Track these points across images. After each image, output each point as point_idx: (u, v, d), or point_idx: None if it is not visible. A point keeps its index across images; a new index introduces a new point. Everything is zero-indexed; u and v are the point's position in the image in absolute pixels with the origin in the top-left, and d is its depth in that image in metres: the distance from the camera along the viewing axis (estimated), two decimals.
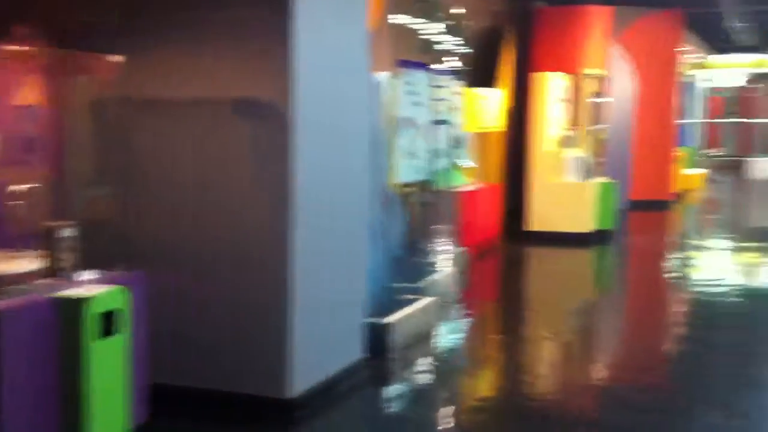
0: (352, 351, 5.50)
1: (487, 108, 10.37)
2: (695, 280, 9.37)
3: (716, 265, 10.15)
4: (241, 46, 4.75)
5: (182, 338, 4.93)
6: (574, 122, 11.74)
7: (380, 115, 6.03)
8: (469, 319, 7.45)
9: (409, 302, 6.54)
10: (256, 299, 4.80)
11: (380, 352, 5.89)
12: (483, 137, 11.13)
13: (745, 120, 25.54)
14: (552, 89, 11.12)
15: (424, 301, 6.66)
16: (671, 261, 10.77)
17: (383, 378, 5.72)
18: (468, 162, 10.52)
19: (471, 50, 11.39)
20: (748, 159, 24.74)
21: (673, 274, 9.96)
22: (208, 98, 4.84)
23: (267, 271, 4.77)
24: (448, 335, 6.76)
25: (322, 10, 4.94)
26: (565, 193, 11.00)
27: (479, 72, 11.52)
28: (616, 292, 9.12)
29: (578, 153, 11.37)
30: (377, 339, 5.90)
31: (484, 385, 5.82)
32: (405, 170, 6.09)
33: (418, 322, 6.47)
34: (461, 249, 9.03)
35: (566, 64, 11.95)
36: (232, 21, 4.75)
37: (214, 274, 4.88)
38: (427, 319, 6.64)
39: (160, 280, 4.55)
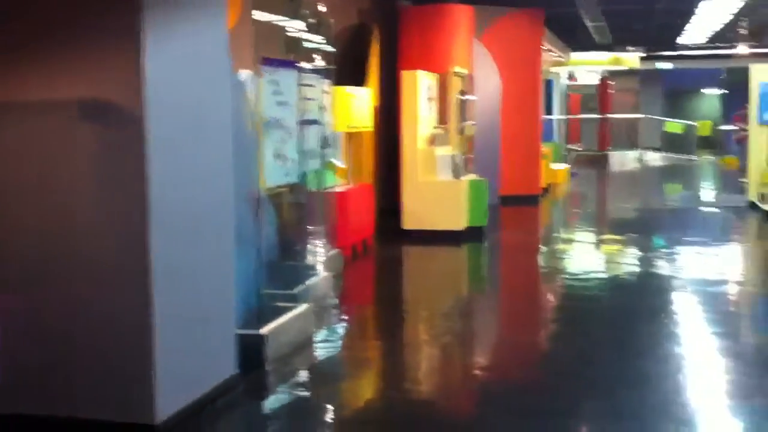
0: (224, 366, 5.14)
1: (357, 107, 10.17)
2: (565, 273, 9.48)
3: (584, 258, 10.32)
4: (89, 44, 4.33)
5: (31, 361, 4.46)
6: (443, 120, 11.71)
7: (245, 116, 5.69)
8: (347, 325, 7.19)
9: (285, 310, 6.22)
10: (113, 315, 4.38)
11: (255, 365, 5.56)
12: (353, 136, 10.93)
13: (601, 116, 26.52)
14: (421, 87, 11.03)
15: (300, 308, 6.36)
16: (542, 255, 10.88)
17: (259, 393, 5.39)
18: (339, 162, 10.30)
19: (339, 48, 11.17)
20: (607, 153, 25.71)
21: (545, 268, 10.06)
22: (54, 101, 4.39)
23: (123, 284, 4.36)
24: (327, 342, 6.48)
25: (175, 6, 4.57)
26: (438, 192, 10.94)
27: (348, 70, 11.31)
28: (491, 289, 9.10)
29: (448, 151, 11.33)
30: (252, 351, 5.56)
31: (365, 393, 5.58)
32: (274, 172, 5.77)
33: (295, 331, 6.16)
34: (335, 251, 8.79)
35: (433, 63, 11.92)
36: (79, 17, 4.33)
37: (64, 289, 4.43)
38: (304, 326, 6.33)
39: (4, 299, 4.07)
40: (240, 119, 5.71)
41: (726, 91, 31.84)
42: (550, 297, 8.57)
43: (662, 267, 9.48)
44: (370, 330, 7.24)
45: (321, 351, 6.25)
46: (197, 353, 4.80)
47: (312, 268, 7.83)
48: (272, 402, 5.30)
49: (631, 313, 7.37)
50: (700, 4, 15.45)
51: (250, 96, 5.64)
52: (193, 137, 4.76)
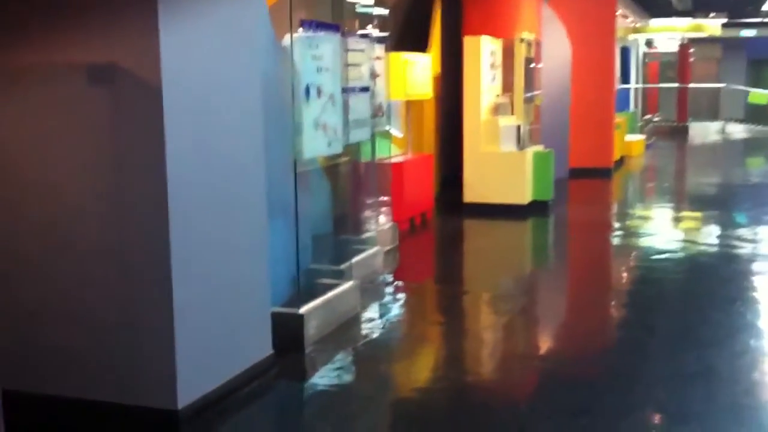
0: (257, 348, 4.83)
1: (416, 74, 9.72)
2: (636, 253, 8.87)
3: (657, 237, 9.69)
4: (102, 8, 4.01)
5: (43, 343, 4.23)
6: (508, 89, 11.15)
7: (284, 83, 5.32)
8: (398, 304, 6.81)
9: (330, 287, 5.88)
10: (131, 294, 4.09)
11: (294, 346, 5.24)
12: (413, 105, 10.49)
13: (681, 85, 25.38)
14: (484, 54, 10.50)
15: (346, 285, 6.01)
16: (611, 232, 10.29)
17: (295, 376, 5.06)
18: (396, 131, 9.89)
19: (399, 13, 10.73)
20: (687, 124, 24.61)
21: (614, 247, 9.48)
22: (65, 64, 4.09)
23: (144, 263, 4.06)
24: (373, 323, 6.11)
25: None
26: (501, 163, 10.43)
27: (408, 36, 10.86)
28: (553, 269, 8.57)
29: (513, 121, 10.80)
30: (290, 332, 5.25)
31: (409, 380, 5.18)
32: (314, 142, 5.40)
33: (340, 310, 5.82)
34: (391, 224, 8.42)
35: (498, 28, 11.36)
36: None
37: (80, 268, 4.16)
38: (349, 305, 5.99)
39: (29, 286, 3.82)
40: (278, 87, 5.36)
41: None
42: (619, 279, 8.02)
43: (742, 248, 8.80)
44: (421, 310, 6.81)
45: (366, 332, 5.87)
46: (226, 334, 4.50)
47: (364, 242, 7.49)
48: (308, 387, 4.97)
49: (705, 299, 6.80)
50: None
51: (290, 62, 5.26)
52: (221, 107, 4.41)
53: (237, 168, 4.59)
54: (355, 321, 5.96)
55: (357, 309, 6.09)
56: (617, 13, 15.22)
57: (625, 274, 8.08)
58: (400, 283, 7.40)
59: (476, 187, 10.47)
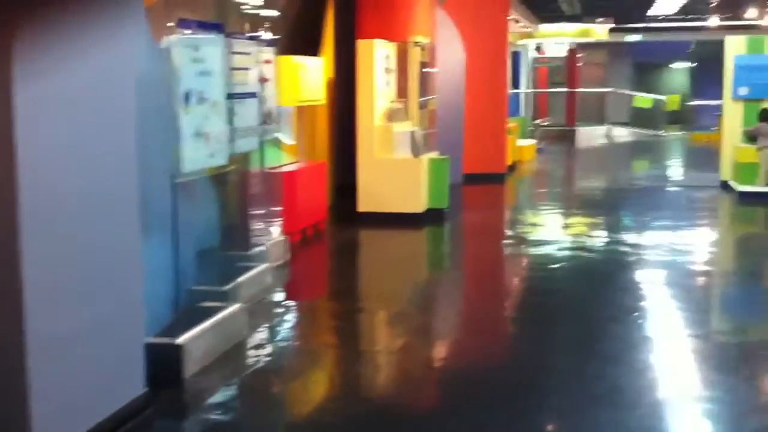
0: (129, 385, 4.33)
1: (308, 78, 9.32)
2: (531, 260, 8.75)
3: (551, 243, 9.60)
4: None
5: None
6: (402, 94, 10.89)
7: (161, 89, 4.84)
8: (290, 325, 6.40)
9: (214, 311, 5.42)
10: None
11: (172, 380, 4.76)
12: (305, 111, 10.08)
13: (569, 89, 25.83)
14: (377, 58, 10.19)
15: (233, 308, 5.56)
16: (507, 239, 10.16)
17: (174, 416, 4.59)
18: (287, 138, 9.47)
19: (290, 15, 10.30)
20: (575, 128, 25.06)
21: (509, 254, 9.34)
22: None
23: None
24: (261, 349, 5.67)
25: None
26: (396, 171, 10.15)
27: (300, 39, 10.45)
28: (452, 278, 8.34)
29: (407, 127, 10.54)
30: (167, 364, 4.77)
31: (301, 411, 4.79)
32: (194, 153, 4.94)
33: (223, 336, 5.37)
34: (281, 237, 7.99)
35: (392, 32, 11.08)
36: None
37: None
38: (234, 330, 5.54)
39: None
40: (156, 91, 4.88)
41: (695, 65, 31.35)
42: (517, 290, 7.85)
43: (633, 254, 8.81)
44: (314, 332, 6.40)
45: (253, 359, 5.43)
46: (92, 371, 3.99)
47: (252, 258, 7.04)
48: (188, 425, 4.51)
49: (603, 310, 6.68)
50: None
51: (168, 66, 4.79)
52: (82, 111, 3.91)
53: (104, 179, 4.08)
54: (241, 347, 5.51)
55: (244, 334, 5.65)
56: (509, 18, 15.21)
57: (522, 285, 7.92)
58: (291, 302, 7.00)
59: (371, 196, 10.15)
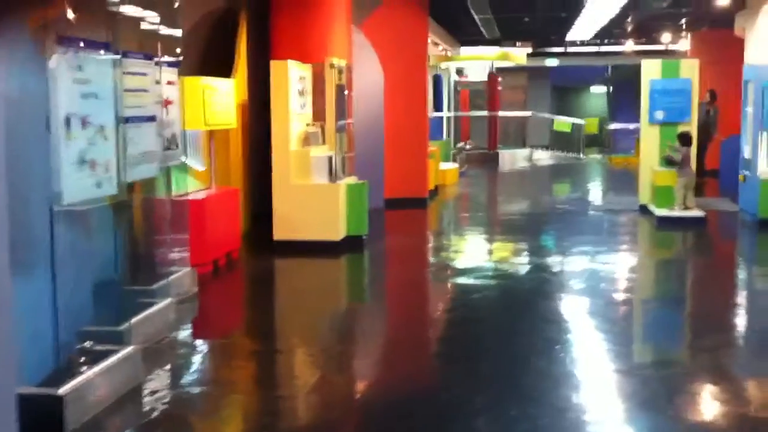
0: None
1: (218, 101, 8.90)
2: (456, 290, 8.48)
3: (474, 269, 9.36)
4: None
5: None
6: (320, 117, 10.54)
7: (40, 112, 4.38)
8: (194, 368, 5.93)
9: (104, 354, 4.94)
10: None
11: None
12: (217, 135, 9.62)
13: (491, 113, 25.92)
14: (292, 79, 9.83)
15: (126, 350, 5.09)
16: (429, 267, 9.88)
17: None
18: (196, 164, 9.01)
19: (197, 33, 9.87)
20: (497, 151, 25.12)
21: (432, 282, 9.05)
22: None
23: None
24: (162, 394, 5.19)
25: None
26: (313, 197, 9.77)
27: (209, 59, 10.01)
28: (372, 310, 7.98)
29: (324, 151, 10.19)
30: (47, 418, 4.27)
31: None
32: (78, 182, 4.48)
33: (117, 382, 4.89)
34: (187, 270, 7.51)
35: (308, 52, 10.75)
36: None
37: None
38: (130, 375, 5.07)
39: None
40: (37, 116, 4.41)
41: (612, 89, 31.93)
42: (439, 321, 7.52)
43: (555, 282, 8.64)
44: (220, 375, 5.88)
45: (149, 408, 4.94)
46: None
47: (153, 293, 6.55)
48: None
49: (526, 342, 6.42)
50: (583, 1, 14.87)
51: (48, 86, 4.33)
52: None
53: None
54: (136, 394, 5.03)
55: (140, 379, 5.17)
56: (429, 41, 15.07)
57: (445, 315, 7.61)
58: (197, 341, 6.52)
59: (287, 223, 9.74)
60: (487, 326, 6.94)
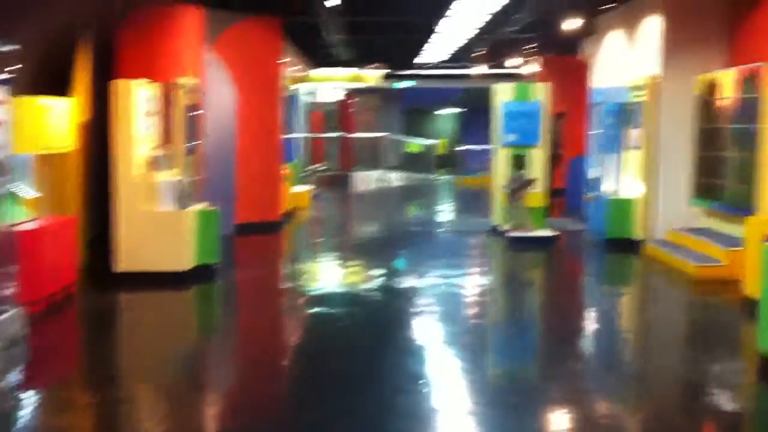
0: None
1: (54, 122, 8.19)
2: (312, 321, 8.12)
3: (333, 299, 9.05)
4: None
5: None
6: (167, 139, 9.96)
7: None
8: (25, 421, 5.26)
9: None
10: None
11: None
12: (52, 159, 8.88)
13: (344, 134, 25.81)
14: (137, 100, 9.22)
15: None
16: (283, 297, 9.48)
17: None
18: (27, 191, 8.24)
19: (32, 50, 9.09)
20: (350, 173, 25.02)
21: (287, 314, 8.66)
22: None
23: None
24: None
25: None
26: (159, 225, 9.17)
27: (44, 77, 9.24)
28: (224, 346, 7.49)
29: (173, 175, 9.61)
30: None
31: None
32: None
33: None
34: (14, 310, 6.75)
35: (156, 71, 10.18)
36: None
37: None
38: None
39: None
40: None
41: (462, 111, 32.58)
42: (295, 358, 7.14)
43: (413, 308, 8.48)
44: (55, 428, 5.29)
45: None
46: None
47: None
48: None
49: (387, 378, 6.15)
50: (441, 22, 14.97)
51: None
52: None
53: None
54: None
55: None
56: (283, 60, 14.70)
57: (301, 349, 7.26)
58: (25, 391, 5.82)
59: (131, 254, 9.08)
60: (346, 360, 6.60)
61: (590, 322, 8.36)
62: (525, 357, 7.08)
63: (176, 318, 8.35)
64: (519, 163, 12.74)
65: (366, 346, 7.07)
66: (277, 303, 9.15)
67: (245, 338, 7.78)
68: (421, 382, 6.06)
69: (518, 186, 12.52)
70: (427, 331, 7.66)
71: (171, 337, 7.55)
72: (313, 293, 9.31)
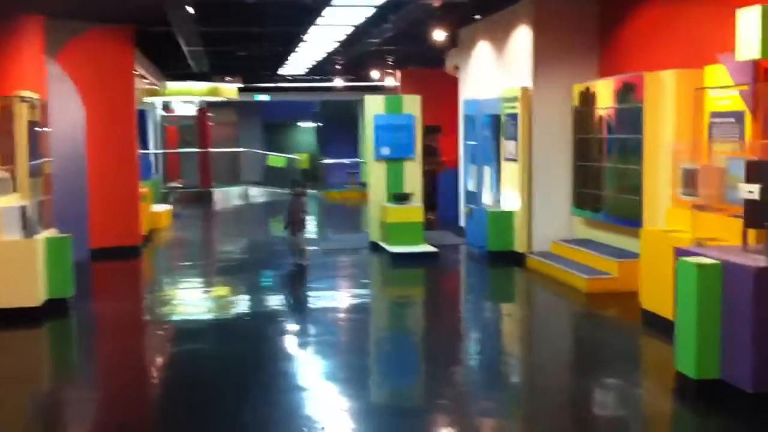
0: None
1: None
2: (180, 359, 7.33)
3: (201, 332, 8.25)
4: None
5: None
6: (8, 160, 8.87)
7: None
8: None
9: None
10: None
11: None
12: None
13: (202, 150, 24.73)
14: None
15: None
16: (147, 331, 8.59)
17: None
18: None
19: None
20: (211, 189, 23.98)
21: (151, 351, 7.81)
22: None
23: None
24: None
25: None
26: (3, 257, 8.11)
27: None
28: (80, 390, 6.56)
29: (16, 200, 8.55)
30: None
31: None
32: None
33: None
34: None
35: None
36: None
37: None
38: None
39: None
40: None
41: (321, 124, 32.07)
42: (158, 396, 6.37)
43: (286, 330, 8.13)
44: None
45: None
46: None
47: None
48: None
49: (260, 416, 5.51)
50: (305, 34, 14.38)
51: None
52: None
53: None
54: None
55: None
56: (135, 73, 13.67)
57: (167, 392, 6.45)
58: None
59: None
60: (220, 406, 5.86)
61: (485, 340, 8.01)
62: (413, 381, 6.67)
63: (27, 361, 7.31)
64: (295, 183, 12.29)
65: (240, 384, 6.35)
66: (139, 339, 8.25)
67: (104, 379, 6.90)
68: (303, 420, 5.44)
69: (295, 216, 11.73)
70: (305, 362, 7.14)
71: (19, 385, 6.54)
72: (179, 326, 8.50)
